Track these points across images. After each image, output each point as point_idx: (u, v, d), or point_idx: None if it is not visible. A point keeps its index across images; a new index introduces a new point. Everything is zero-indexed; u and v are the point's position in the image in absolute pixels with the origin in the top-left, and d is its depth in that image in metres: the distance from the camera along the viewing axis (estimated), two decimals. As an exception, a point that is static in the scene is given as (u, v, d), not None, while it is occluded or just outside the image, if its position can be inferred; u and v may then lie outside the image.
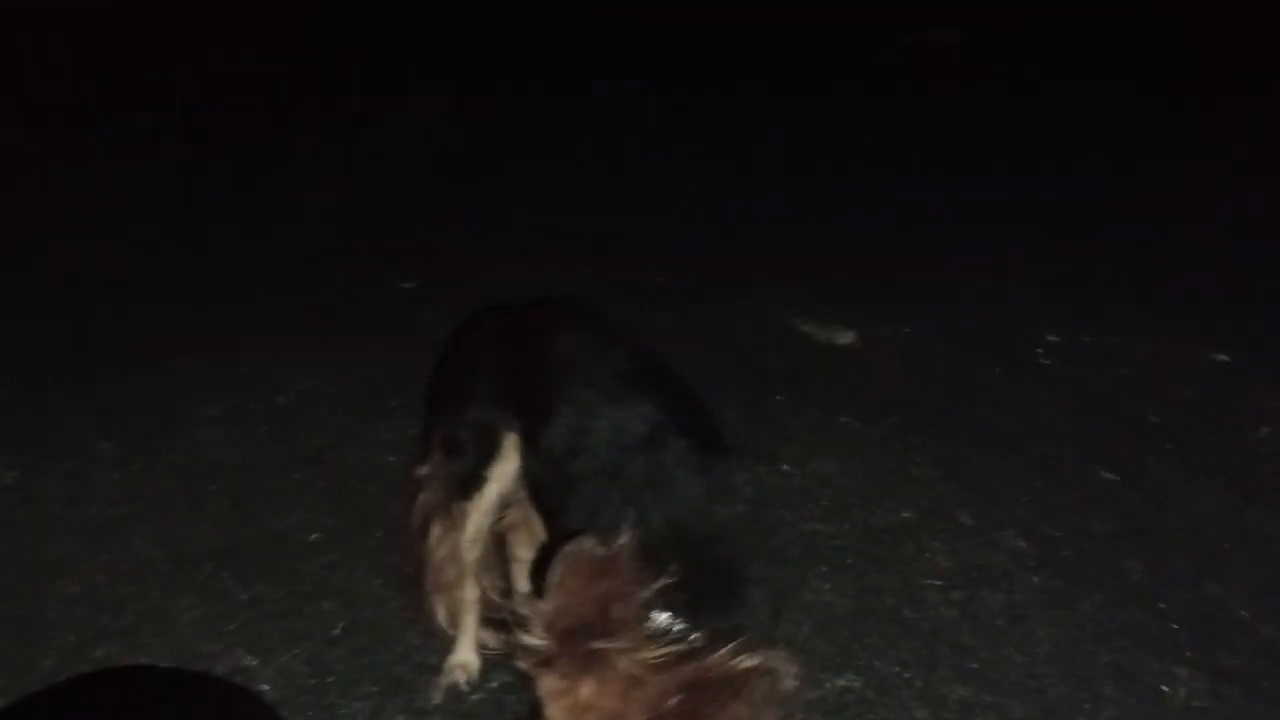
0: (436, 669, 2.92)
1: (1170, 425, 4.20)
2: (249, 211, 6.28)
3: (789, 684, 1.85)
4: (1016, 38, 11.02)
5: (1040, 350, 4.79)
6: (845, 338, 4.89)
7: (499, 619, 2.95)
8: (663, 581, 1.90)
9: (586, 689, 1.81)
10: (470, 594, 2.85)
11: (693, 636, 1.91)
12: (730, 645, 1.86)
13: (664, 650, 1.84)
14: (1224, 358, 4.74)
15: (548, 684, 1.84)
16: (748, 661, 1.84)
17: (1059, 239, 6.01)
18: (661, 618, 1.92)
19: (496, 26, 11.22)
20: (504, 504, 2.73)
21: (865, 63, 10.11)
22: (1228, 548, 3.52)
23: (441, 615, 2.87)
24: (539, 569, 1.97)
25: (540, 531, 2.76)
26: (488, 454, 2.64)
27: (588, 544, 1.85)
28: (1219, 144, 7.64)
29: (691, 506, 2.19)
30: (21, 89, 8.72)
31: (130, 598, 3.16)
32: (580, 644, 1.80)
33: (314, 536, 3.46)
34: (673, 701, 1.80)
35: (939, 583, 3.33)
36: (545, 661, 1.83)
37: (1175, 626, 3.18)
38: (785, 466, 3.86)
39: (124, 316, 4.93)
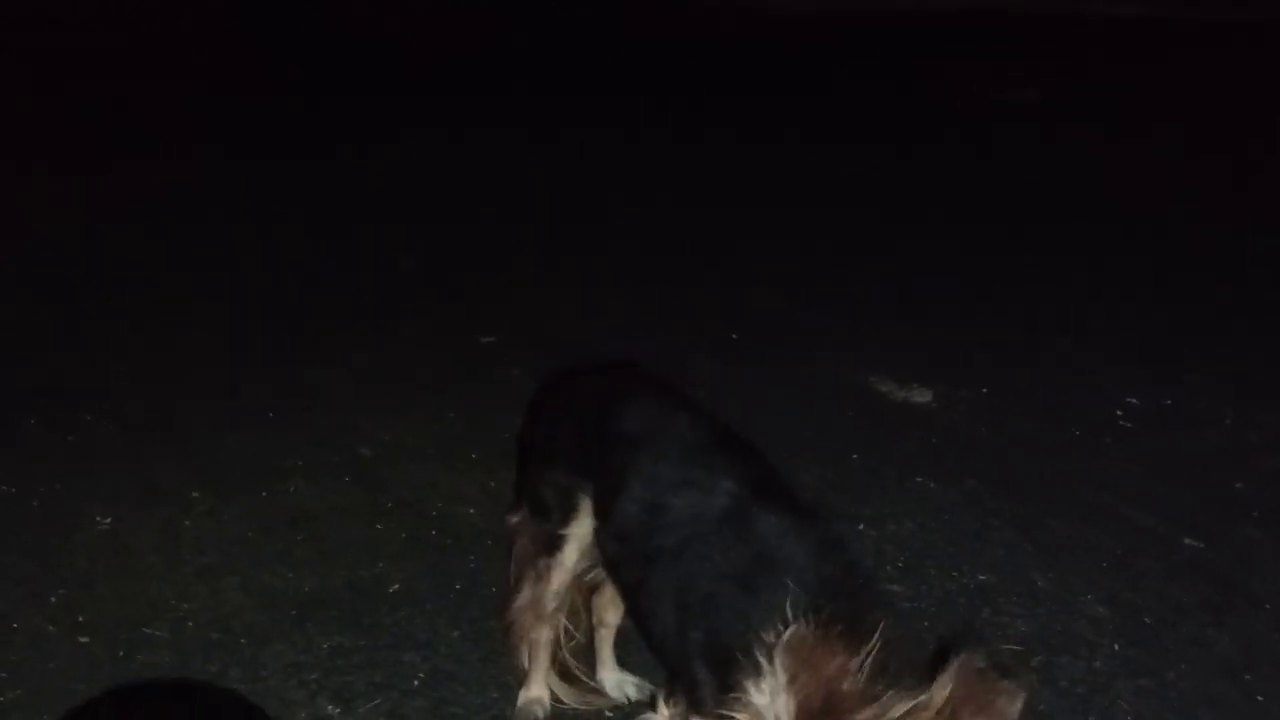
0: None
1: (1256, 493, 4.11)
2: (333, 265, 6.45)
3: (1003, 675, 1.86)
4: (1095, 97, 10.98)
5: (1120, 413, 4.73)
6: (922, 397, 4.87)
7: (568, 669, 3.02)
8: (866, 648, 1.91)
9: None
10: (546, 636, 2.92)
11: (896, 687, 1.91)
12: (940, 678, 1.86)
13: (899, 706, 1.85)
14: (1311, 424, 4.65)
15: None
16: (965, 680, 1.84)
17: (1140, 300, 5.95)
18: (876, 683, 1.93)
19: (577, 79, 11.41)
20: (585, 560, 2.79)
21: (943, 119, 10.14)
22: (1317, 619, 3.45)
23: (522, 658, 2.96)
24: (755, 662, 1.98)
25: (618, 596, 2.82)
26: (566, 515, 2.72)
27: (800, 632, 1.87)
28: (1248, 209, 7.52)
29: (808, 572, 2.20)
30: (118, 133, 9.02)
31: (218, 645, 3.23)
32: None
33: (394, 587, 3.52)
34: None
35: (1017, 648, 3.29)
36: None
37: (1261, 699, 3.10)
38: (861, 526, 3.85)
39: (215, 369, 5.09)
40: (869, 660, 1.87)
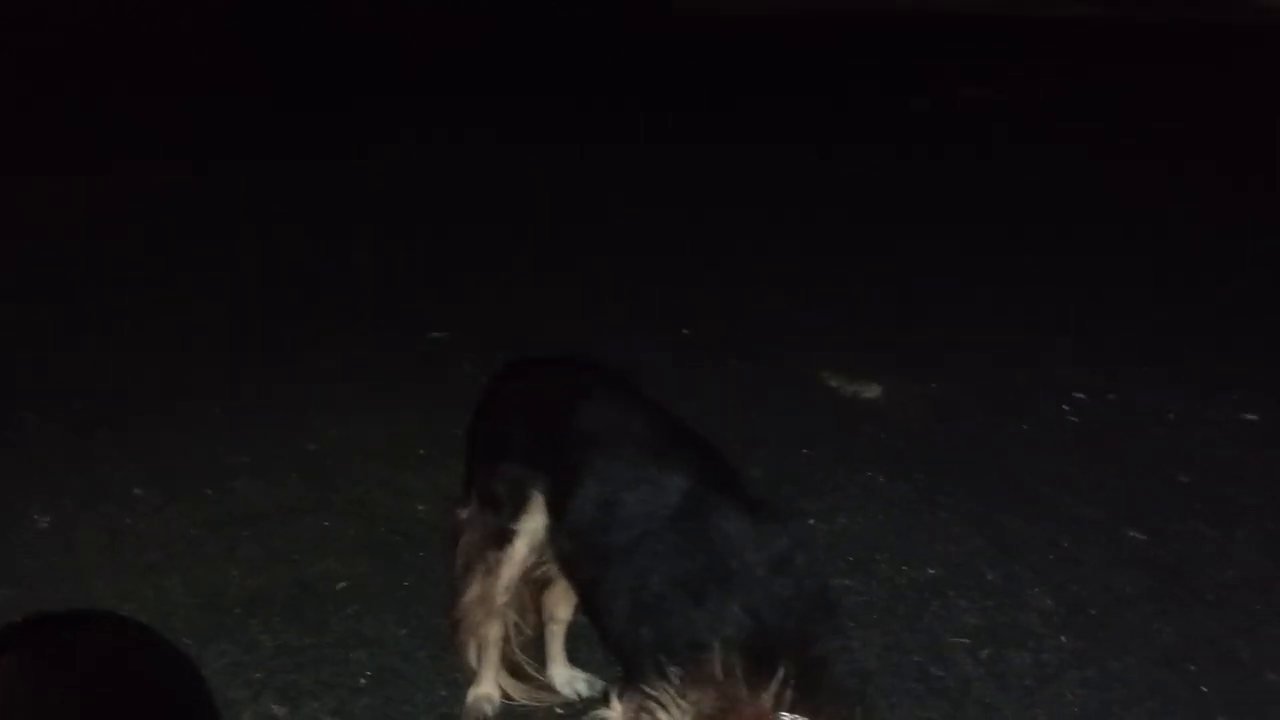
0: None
1: (1200, 485, 4.17)
2: (282, 261, 6.37)
3: None
4: (1047, 94, 11.08)
5: (1068, 408, 4.78)
6: (872, 391, 4.89)
7: (518, 665, 3.01)
8: (775, 685, 1.92)
9: None
10: (495, 632, 2.91)
11: None
12: None
13: None
14: (1253, 417, 4.72)
15: None
16: None
17: (1087, 296, 6.02)
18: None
19: (524, 77, 11.36)
20: (535, 555, 2.78)
21: (893, 116, 10.19)
22: (1259, 610, 3.49)
23: (470, 653, 2.94)
24: None
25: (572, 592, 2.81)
26: (518, 510, 2.70)
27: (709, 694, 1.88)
28: (1252, 207, 7.65)
29: (759, 590, 2.21)
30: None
31: (162, 644, 3.18)
32: None
33: (342, 585, 3.49)
34: None
35: (966, 641, 3.31)
36: None
37: (1205, 690, 3.14)
38: (811, 521, 3.86)
39: (161, 365, 5.01)
40: (785, 695, 1.89)
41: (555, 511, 2.62)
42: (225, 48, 12.45)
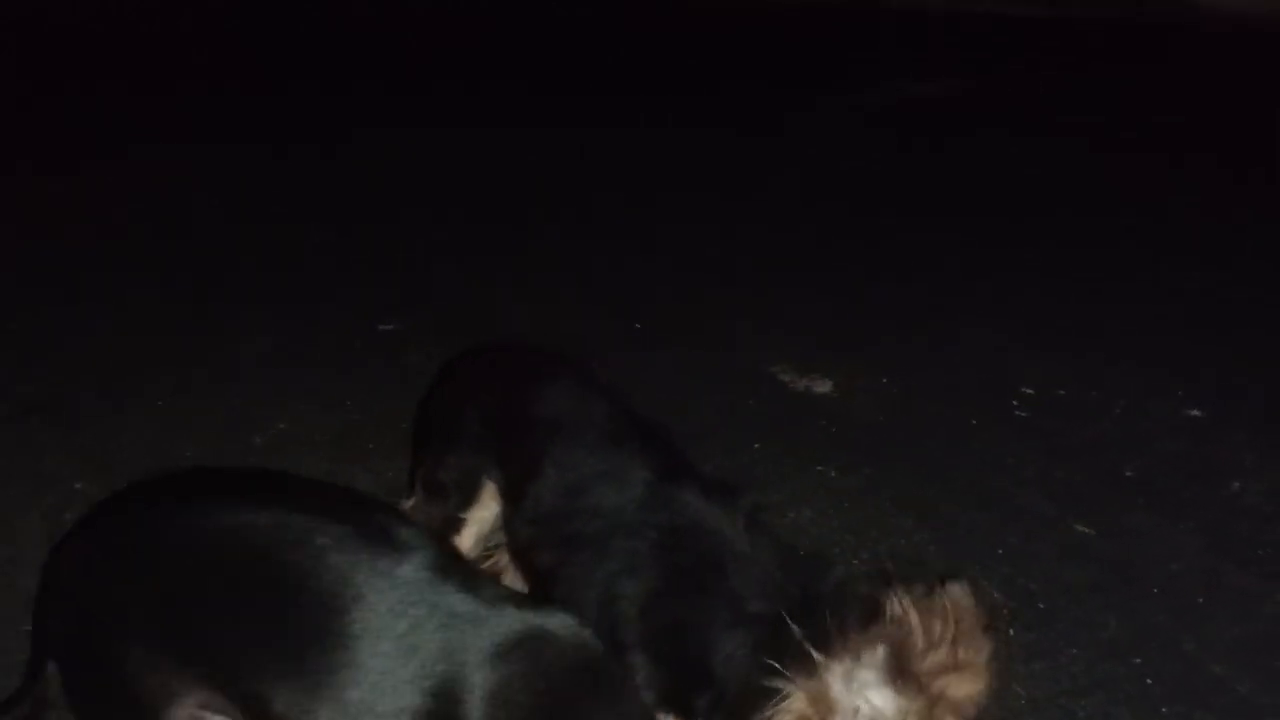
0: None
1: (1145, 479, 4.22)
2: (230, 251, 6.28)
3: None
4: (999, 93, 11.18)
5: (1016, 403, 4.82)
6: (823, 386, 4.91)
7: None
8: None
9: None
10: None
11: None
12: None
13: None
14: (1198, 413, 4.78)
15: None
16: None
17: (1036, 292, 6.07)
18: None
19: (481, 67, 11.32)
20: (482, 547, 2.75)
21: (848, 111, 10.24)
22: (1203, 603, 3.54)
23: None
24: None
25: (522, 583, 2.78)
26: (467, 498, 2.66)
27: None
28: (1198, 200, 7.76)
29: (760, 564, 2.20)
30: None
31: (101, 640, 3.11)
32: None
33: (288, 580, 3.43)
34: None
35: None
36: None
37: (1150, 682, 3.18)
38: (761, 515, 3.85)
39: (104, 355, 4.91)
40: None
41: (513, 498, 2.58)
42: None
